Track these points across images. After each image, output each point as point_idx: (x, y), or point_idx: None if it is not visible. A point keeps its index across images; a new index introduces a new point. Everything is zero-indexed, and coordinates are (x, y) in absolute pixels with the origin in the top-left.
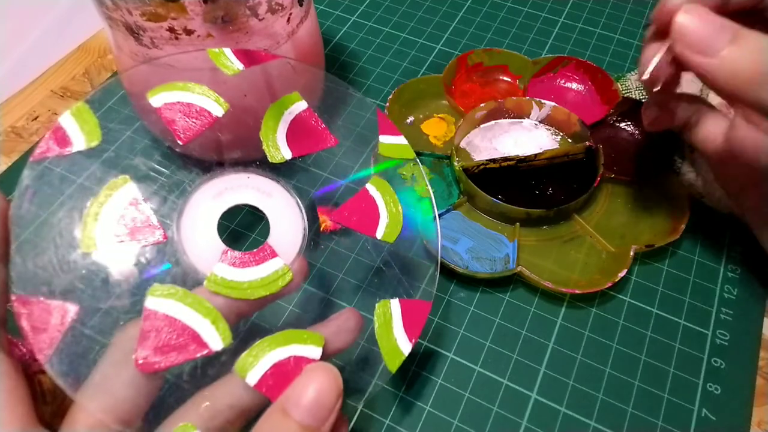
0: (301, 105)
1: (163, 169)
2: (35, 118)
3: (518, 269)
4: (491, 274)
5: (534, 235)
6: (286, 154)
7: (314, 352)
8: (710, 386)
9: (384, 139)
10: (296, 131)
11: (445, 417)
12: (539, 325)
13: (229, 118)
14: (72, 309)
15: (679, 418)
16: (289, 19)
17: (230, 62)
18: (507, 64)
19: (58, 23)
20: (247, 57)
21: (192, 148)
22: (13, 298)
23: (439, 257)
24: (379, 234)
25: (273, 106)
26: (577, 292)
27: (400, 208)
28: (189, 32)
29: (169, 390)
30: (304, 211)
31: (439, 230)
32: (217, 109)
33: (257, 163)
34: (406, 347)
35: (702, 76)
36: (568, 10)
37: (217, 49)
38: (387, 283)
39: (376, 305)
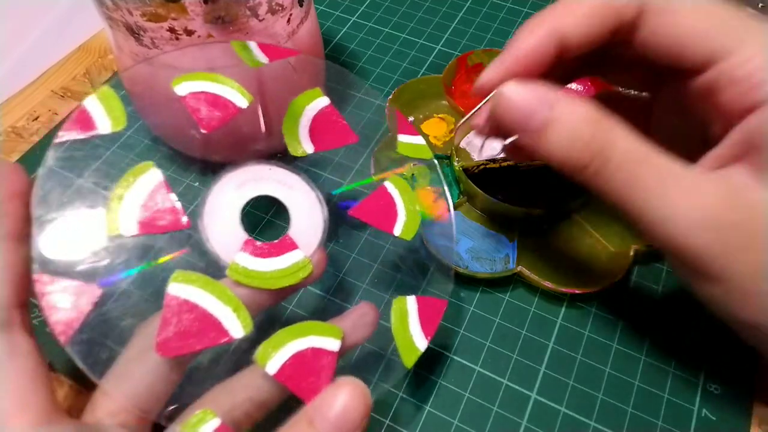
0: (323, 101)
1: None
2: (36, 119)
3: (518, 269)
4: (491, 274)
5: (534, 235)
6: (308, 148)
7: (333, 344)
8: (710, 386)
9: (402, 138)
10: (318, 126)
11: (445, 417)
12: (539, 325)
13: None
14: (93, 291)
15: (680, 418)
16: (289, 19)
17: (254, 55)
18: None
19: (58, 23)
20: (270, 51)
21: (194, 150)
22: (35, 277)
23: (453, 255)
24: (397, 231)
25: (295, 100)
26: (577, 292)
27: (417, 206)
28: (189, 33)
29: (189, 380)
30: (324, 203)
31: (454, 229)
32: (241, 101)
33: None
34: (422, 343)
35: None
36: None
37: (241, 42)
38: (402, 280)
39: (393, 301)
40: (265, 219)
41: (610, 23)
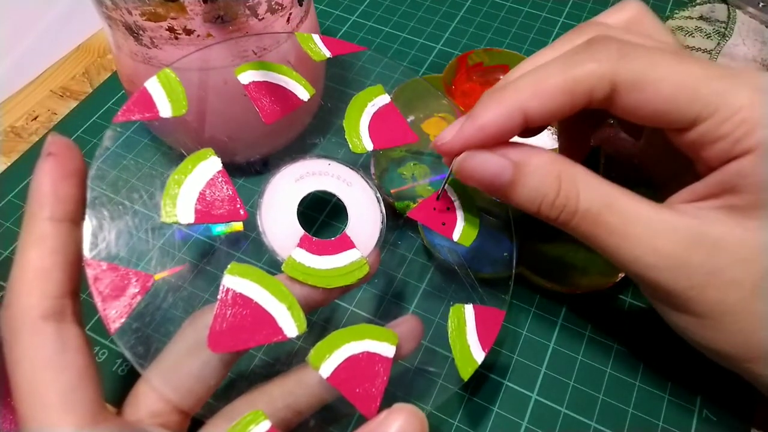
0: (384, 98)
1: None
2: (35, 118)
3: (519, 269)
4: (491, 274)
5: (534, 235)
6: (368, 145)
7: (388, 350)
8: (711, 387)
9: None
10: (378, 124)
11: (445, 418)
12: (540, 326)
13: (231, 120)
14: (146, 279)
15: (680, 418)
16: (288, 18)
17: (318, 48)
18: (507, 64)
19: (58, 23)
20: (333, 45)
21: (192, 151)
22: (86, 261)
23: (514, 263)
24: (456, 236)
25: (357, 96)
26: (578, 292)
27: (477, 211)
28: (189, 32)
29: (230, 381)
30: (382, 203)
31: (514, 238)
32: (304, 94)
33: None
34: (479, 355)
35: None
36: (568, 10)
37: (305, 34)
38: (458, 287)
39: (451, 309)
40: (320, 218)
41: (580, 102)
